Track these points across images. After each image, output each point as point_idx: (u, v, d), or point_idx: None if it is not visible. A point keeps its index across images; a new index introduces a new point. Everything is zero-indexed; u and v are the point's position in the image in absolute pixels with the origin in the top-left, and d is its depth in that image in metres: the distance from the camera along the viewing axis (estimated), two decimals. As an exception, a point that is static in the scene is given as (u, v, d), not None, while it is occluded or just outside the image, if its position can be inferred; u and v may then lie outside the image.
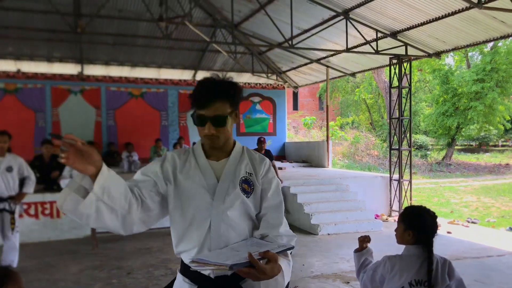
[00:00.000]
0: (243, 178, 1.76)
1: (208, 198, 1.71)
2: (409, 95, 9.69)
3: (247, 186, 1.76)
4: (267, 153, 8.69)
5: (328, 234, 7.60)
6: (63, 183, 7.29)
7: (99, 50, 12.25)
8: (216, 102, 1.67)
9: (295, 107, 28.78)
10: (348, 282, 5.00)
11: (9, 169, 5.34)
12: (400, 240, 2.39)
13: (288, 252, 1.67)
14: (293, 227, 8.08)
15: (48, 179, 7.54)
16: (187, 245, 1.70)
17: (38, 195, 7.20)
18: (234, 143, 1.85)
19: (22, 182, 5.54)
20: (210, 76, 1.74)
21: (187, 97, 13.96)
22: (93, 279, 5.15)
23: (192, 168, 1.77)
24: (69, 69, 12.64)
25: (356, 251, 2.64)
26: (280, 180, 8.53)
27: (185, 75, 14.06)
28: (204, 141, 1.79)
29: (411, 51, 9.19)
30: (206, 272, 1.63)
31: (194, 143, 8.39)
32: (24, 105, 12.30)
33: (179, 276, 1.77)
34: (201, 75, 14.11)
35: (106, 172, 1.46)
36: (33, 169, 7.56)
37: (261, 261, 1.44)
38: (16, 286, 1.44)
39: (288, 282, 1.64)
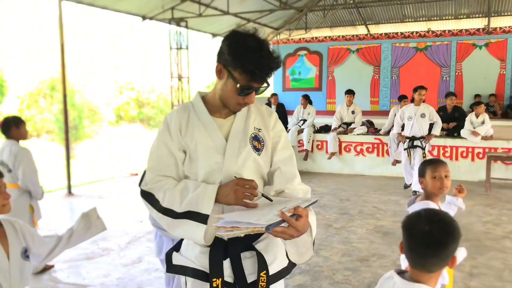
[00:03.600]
0: (252, 135, 1.66)
1: (218, 159, 1.62)
2: None
3: (257, 142, 1.65)
4: None
5: None
6: (463, 132, 8.21)
7: (508, 1, 12.04)
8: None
9: None
10: None
11: (423, 115, 6.88)
12: None
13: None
14: None
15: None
16: None
17: (441, 140, 8.44)
18: None
19: (431, 126, 6.98)
20: (256, 35, 1.57)
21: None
22: (484, 212, 5.99)
23: (195, 128, 1.65)
24: (475, 23, 13.06)
25: None
26: None
27: None
28: (232, 107, 1.65)
29: None
30: (219, 234, 1.55)
31: None
32: (432, 61, 13.72)
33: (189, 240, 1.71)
34: None
35: None
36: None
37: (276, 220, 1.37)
38: None
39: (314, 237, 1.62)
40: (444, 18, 13.23)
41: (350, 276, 3.98)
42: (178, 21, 10.42)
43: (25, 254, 2.03)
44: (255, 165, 1.66)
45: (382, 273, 3.97)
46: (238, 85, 1.56)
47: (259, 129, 1.69)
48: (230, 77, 1.57)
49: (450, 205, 2.86)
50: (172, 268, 1.74)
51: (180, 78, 10.68)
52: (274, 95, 11.63)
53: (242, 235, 1.42)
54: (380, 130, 9.15)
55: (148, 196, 1.65)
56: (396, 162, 8.41)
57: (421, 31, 13.71)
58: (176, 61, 10.64)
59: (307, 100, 9.71)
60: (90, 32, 29.42)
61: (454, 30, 13.32)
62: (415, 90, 7.03)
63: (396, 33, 14.04)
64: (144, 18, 10.23)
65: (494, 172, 7.54)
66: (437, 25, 13.49)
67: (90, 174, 11.52)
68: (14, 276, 1.97)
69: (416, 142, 7.00)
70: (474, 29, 13.06)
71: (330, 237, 5.04)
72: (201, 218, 1.55)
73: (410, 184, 7.23)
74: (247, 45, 1.53)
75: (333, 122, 9.33)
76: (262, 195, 1.58)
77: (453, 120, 8.68)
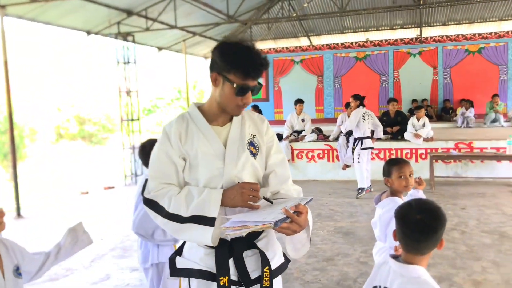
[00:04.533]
0: (249, 140, 1.79)
1: (219, 164, 1.72)
2: None
3: (253, 148, 1.79)
4: None
5: None
6: (406, 135, 8.75)
7: (437, 13, 13.01)
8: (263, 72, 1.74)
9: None
10: None
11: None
12: None
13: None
14: None
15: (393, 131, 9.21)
16: None
17: (386, 143, 8.93)
18: None
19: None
20: (243, 41, 1.71)
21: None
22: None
23: (195, 136, 1.75)
24: (409, 33, 13.99)
25: None
26: None
27: (530, 24, 13.09)
28: (232, 110, 1.76)
29: None
30: (227, 234, 1.60)
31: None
32: (371, 69, 14.48)
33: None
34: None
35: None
36: (382, 122, 9.42)
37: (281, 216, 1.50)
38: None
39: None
40: (380, 28, 14.06)
41: (319, 275, 4.16)
42: (124, 36, 10.33)
43: (17, 271, 2.00)
44: (253, 169, 1.78)
45: (348, 271, 4.21)
46: (234, 85, 1.67)
47: (253, 135, 1.83)
48: (226, 81, 1.69)
49: (412, 197, 3.11)
50: (176, 272, 1.80)
51: (128, 92, 10.55)
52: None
53: (244, 234, 1.52)
54: (329, 136, 9.52)
55: (152, 204, 1.73)
56: (346, 166, 8.81)
57: (360, 41, 14.44)
58: (124, 76, 10.50)
59: (257, 110, 9.91)
60: (31, 48, 28.24)
61: (390, 39, 14.17)
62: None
63: (337, 44, 14.70)
64: (89, 33, 10.04)
65: (436, 170, 8.09)
66: (375, 35, 14.29)
67: (36, 195, 11.03)
68: None
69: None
70: (408, 38, 13.96)
71: (294, 241, 5.20)
72: (208, 221, 1.64)
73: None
74: (237, 48, 1.67)
75: (285, 130, 9.59)
76: (264, 197, 1.70)
77: (396, 124, 9.23)
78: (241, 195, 1.64)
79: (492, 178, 8.15)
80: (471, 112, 11.86)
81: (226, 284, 1.68)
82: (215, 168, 1.72)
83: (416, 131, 8.63)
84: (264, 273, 1.71)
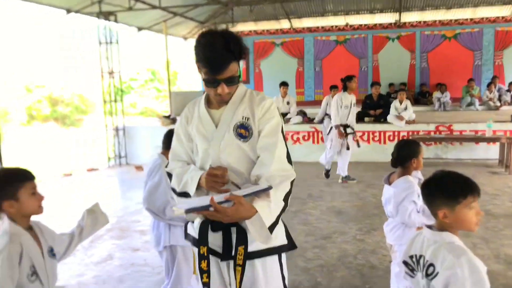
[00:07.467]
0: (238, 123, 1.80)
1: (206, 144, 1.84)
2: None
3: (244, 130, 1.80)
4: None
5: None
6: (389, 118, 9.00)
7: (416, -3, 13.23)
8: (229, 65, 1.70)
9: None
10: None
11: (346, 107, 7.18)
12: None
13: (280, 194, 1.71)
14: None
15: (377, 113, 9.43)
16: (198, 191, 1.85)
17: (370, 125, 9.16)
18: (237, 88, 1.84)
19: None
20: (214, 32, 1.73)
21: (504, 34, 13.47)
22: (417, 188, 6.70)
23: (195, 118, 1.89)
24: (388, 18, 14.18)
25: None
26: None
27: (504, 11, 13.47)
28: (212, 98, 1.84)
29: None
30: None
31: (510, 83, 8.95)
32: (350, 53, 14.67)
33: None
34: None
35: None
36: (365, 105, 9.62)
37: (228, 203, 1.57)
38: None
39: (274, 222, 1.69)
40: (360, 12, 14.16)
41: (319, 252, 4.31)
42: (106, 15, 10.10)
43: (52, 252, 2.07)
44: (240, 152, 1.82)
45: (347, 248, 4.38)
46: (202, 77, 1.78)
47: (247, 118, 1.81)
48: (200, 71, 1.80)
49: (416, 178, 3.30)
50: (186, 236, 2.01)
51: (111, 73, 10.37)
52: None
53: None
54: (314, 119, 9.66)
55: (170, 176, 1.98)
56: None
57: (340, 25, 14.56)
58: (106, 56, 10.30)
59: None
60: (6, 25, 27.14)
61: (369, 24, 14.34)
62: (349, 79, 7.10)
63: (317, 27, 14.77)
64: (68, 11, 9.77)
65: (418, 152, 8.37)
66: (355, 19, 14.42)
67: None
68: (50, 273, 2.02)
69: (349, 130, 7.23)
70: (387, 23, 14.17)
71: (290, 220, 5.34)
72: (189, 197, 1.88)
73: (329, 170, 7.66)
74: (200, 42, 1.74)
75: (270, 113, 9.64)
76: (232, 182, 1.79)
77: (379, 107, 9.46)
78: (206, 181, 1.78)
79: (471, 159, 8.52)
80: (446, 96, 12.22)
81: (205, 254, 1.79)
82: (203, 148, 1.86)
83: (399, 113, 8.87)
84: (238, 251, 1.73)
